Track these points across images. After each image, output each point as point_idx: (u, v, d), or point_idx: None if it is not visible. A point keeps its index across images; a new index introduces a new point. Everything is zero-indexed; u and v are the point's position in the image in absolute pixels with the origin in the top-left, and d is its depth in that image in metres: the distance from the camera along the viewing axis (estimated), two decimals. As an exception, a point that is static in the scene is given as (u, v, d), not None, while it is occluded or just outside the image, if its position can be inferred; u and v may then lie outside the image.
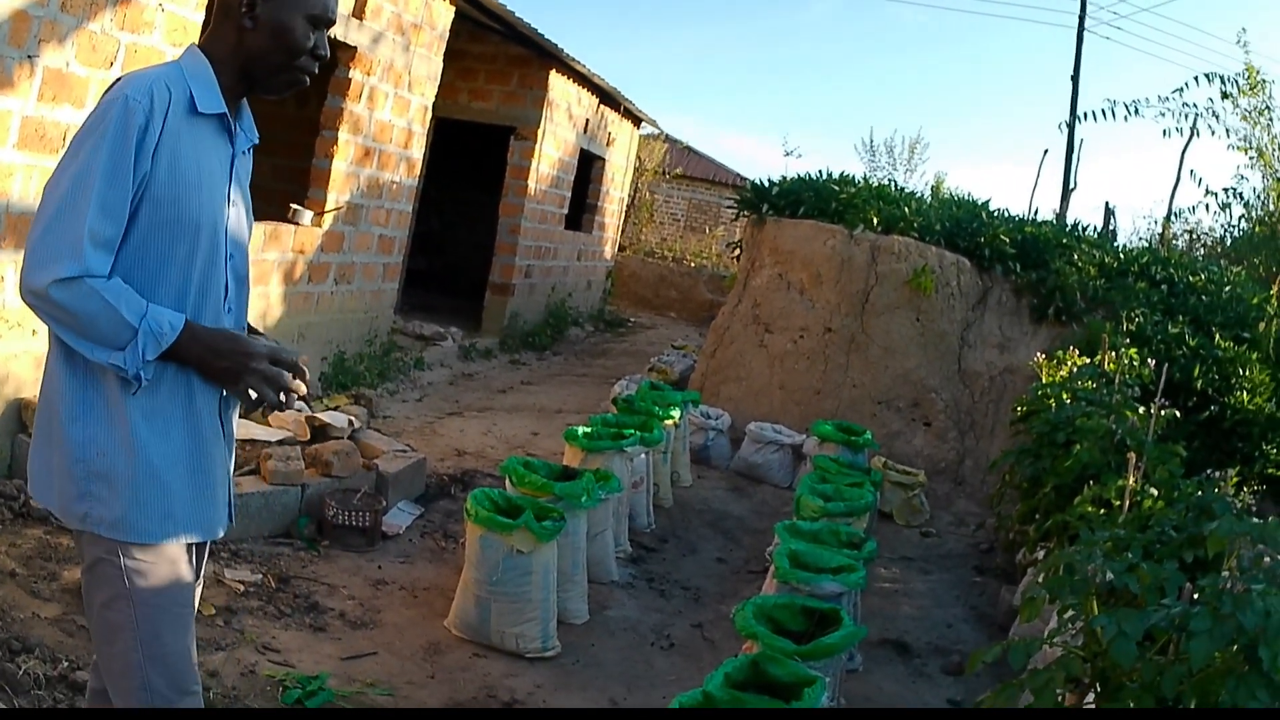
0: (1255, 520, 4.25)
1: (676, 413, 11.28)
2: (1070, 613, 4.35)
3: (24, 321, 7.66)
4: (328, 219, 12.33)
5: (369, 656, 6.49)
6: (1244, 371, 12.49)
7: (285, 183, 14.51)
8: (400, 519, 8.69)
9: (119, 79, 3.29)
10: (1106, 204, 40.03)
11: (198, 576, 3.69)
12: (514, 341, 18.77)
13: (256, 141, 3.65)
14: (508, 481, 7.73)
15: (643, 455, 9.70)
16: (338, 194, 12.44)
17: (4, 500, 7.32)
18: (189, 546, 3.49)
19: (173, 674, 3.40)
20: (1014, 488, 9.53)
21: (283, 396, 3.42)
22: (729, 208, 17.26)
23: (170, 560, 3.39)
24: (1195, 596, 3.84)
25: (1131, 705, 3.76)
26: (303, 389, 3.42)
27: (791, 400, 13.86)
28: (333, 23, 3.51)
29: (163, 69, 3.33)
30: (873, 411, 13.54)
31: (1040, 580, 4.66)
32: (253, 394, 3.42)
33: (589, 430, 9.33)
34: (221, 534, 3.59)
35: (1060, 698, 4.04)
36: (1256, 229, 21.40)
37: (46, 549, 6.82)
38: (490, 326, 18.87)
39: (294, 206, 11.80)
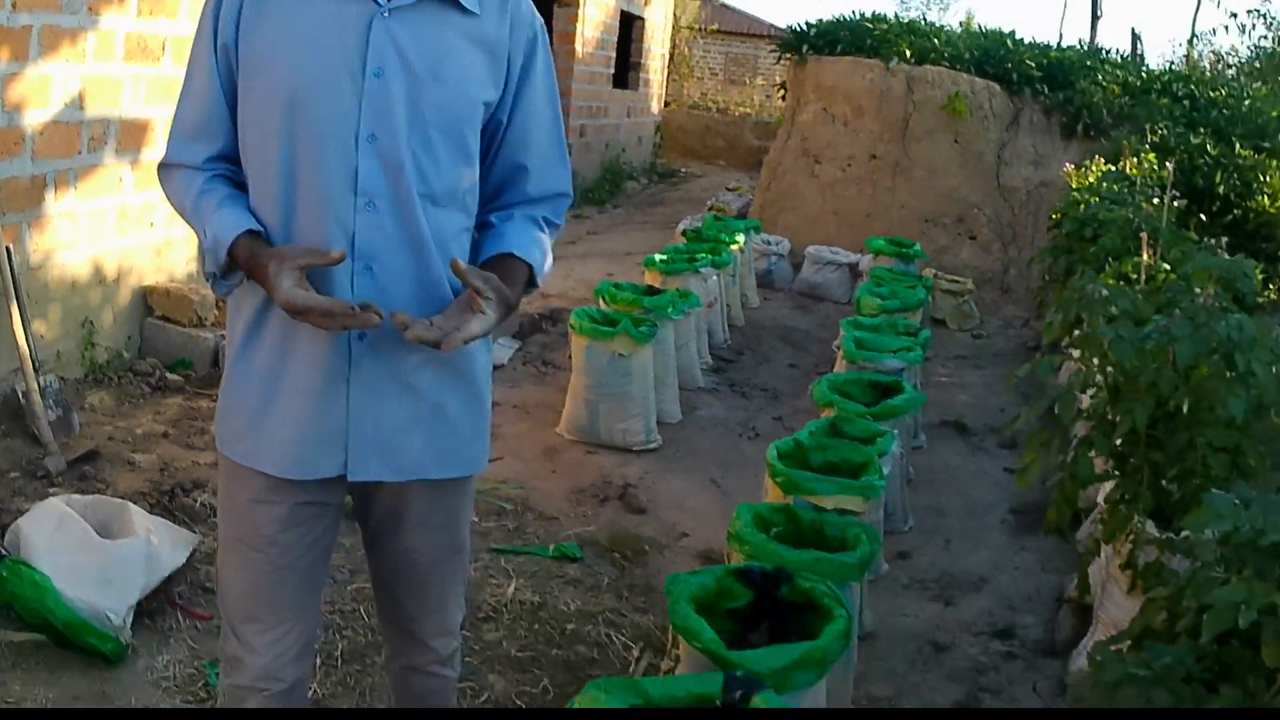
0: (1224, 257, 5.26)
1: (741, 238, 12.27)
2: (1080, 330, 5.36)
3: (143, 216, 8.30)
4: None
5: (496, 462, 7.33)
6: (1265, 178, 13.32)
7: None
8: (503, 353, 9.65)
9: None
10: (1133, 30, 40.33)
11: (361, 517, 3.26)
12: (575, 198, 19.44)
13: None
14: (600, 302, 8.68)
15: (714, 276, 10.63)
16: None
17: (141, 376, 8.09)
18: (311, 485, 3.00)
19: (230, 605, 3.15)
20: (1053, 281, 10.47)
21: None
22: (770, 52, 18.14)
23: (240, 484, 3.03)
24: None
25: (1135, 415, 4.76)
26: (360, 322, 2.68)
27: (844, 224, 14.95)
28: None
29: None
30: (921, 230, 14.58)
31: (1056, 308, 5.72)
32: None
33: (664, 257, 10.27)
34: (324, 475, 2.96)
35: (1078, 404, 5.07)
36: (1277, 46, 21.93)
37: (190, 412, 7.62)
38: (552, 185, 19.52)
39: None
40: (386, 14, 2.77)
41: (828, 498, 5.24)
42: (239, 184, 2.92)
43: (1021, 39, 16.90)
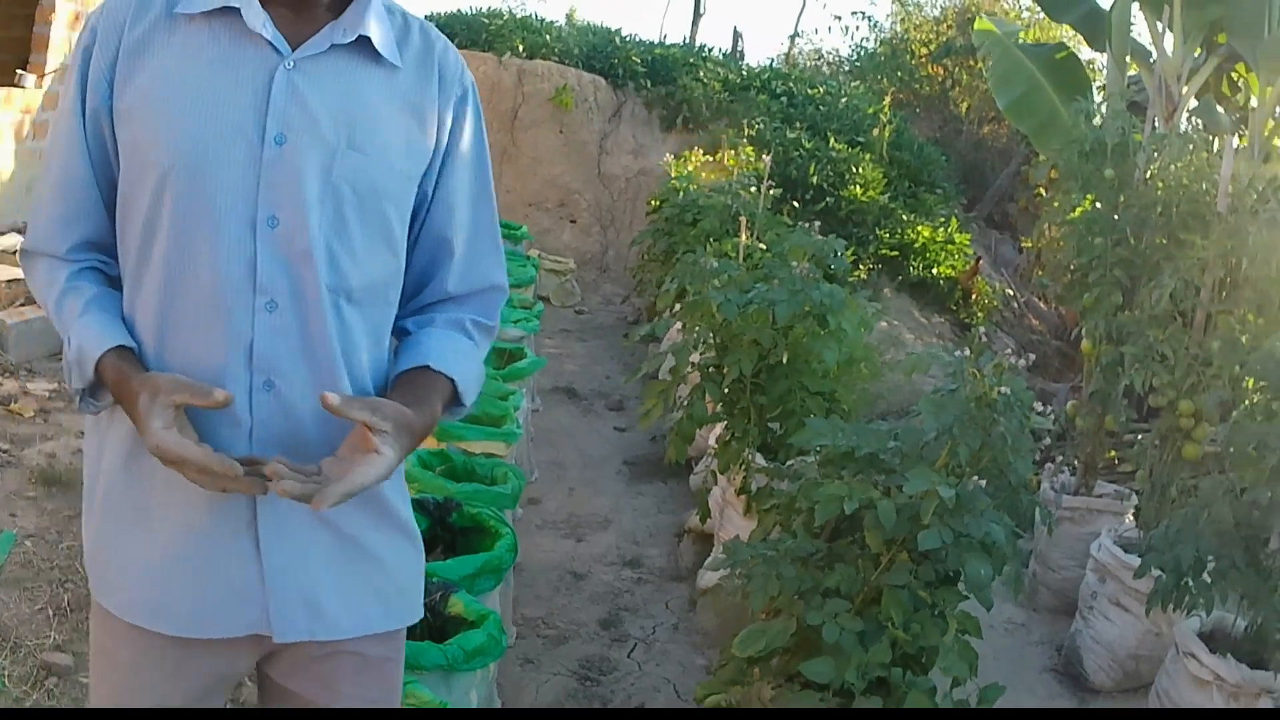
0: (817, 237, 6.13)
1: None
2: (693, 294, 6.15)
3: None
4: (48, 80, 13.29)
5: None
6: (857, 170, 14.58)
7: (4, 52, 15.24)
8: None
9: None
10: (735, 28, 41.73)
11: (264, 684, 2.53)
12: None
13: (351, 39, 2.22)
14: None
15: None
16: (57, 57, 13.40)
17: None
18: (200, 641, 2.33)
19: None
20: (652, 261, 11.33)
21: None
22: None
23: (119, 640, 2.37)
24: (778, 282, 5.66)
25: (741, 364, 5.59)
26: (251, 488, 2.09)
27: (451, 207, 15.67)
28: None
29: None
30: (525, 214, 15.49)
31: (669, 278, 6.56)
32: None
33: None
34: (236, 634, 2.31)
35: (691, 359, 5.89)
36: (880, 48, 23.31)
37: None
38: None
39: (19, 72, 12.75)
40: (291, 65, 2.19)
41: (475, 443, 5.97)
42: (112, 278, 2.33)
43: (628, 37, 18.00)
